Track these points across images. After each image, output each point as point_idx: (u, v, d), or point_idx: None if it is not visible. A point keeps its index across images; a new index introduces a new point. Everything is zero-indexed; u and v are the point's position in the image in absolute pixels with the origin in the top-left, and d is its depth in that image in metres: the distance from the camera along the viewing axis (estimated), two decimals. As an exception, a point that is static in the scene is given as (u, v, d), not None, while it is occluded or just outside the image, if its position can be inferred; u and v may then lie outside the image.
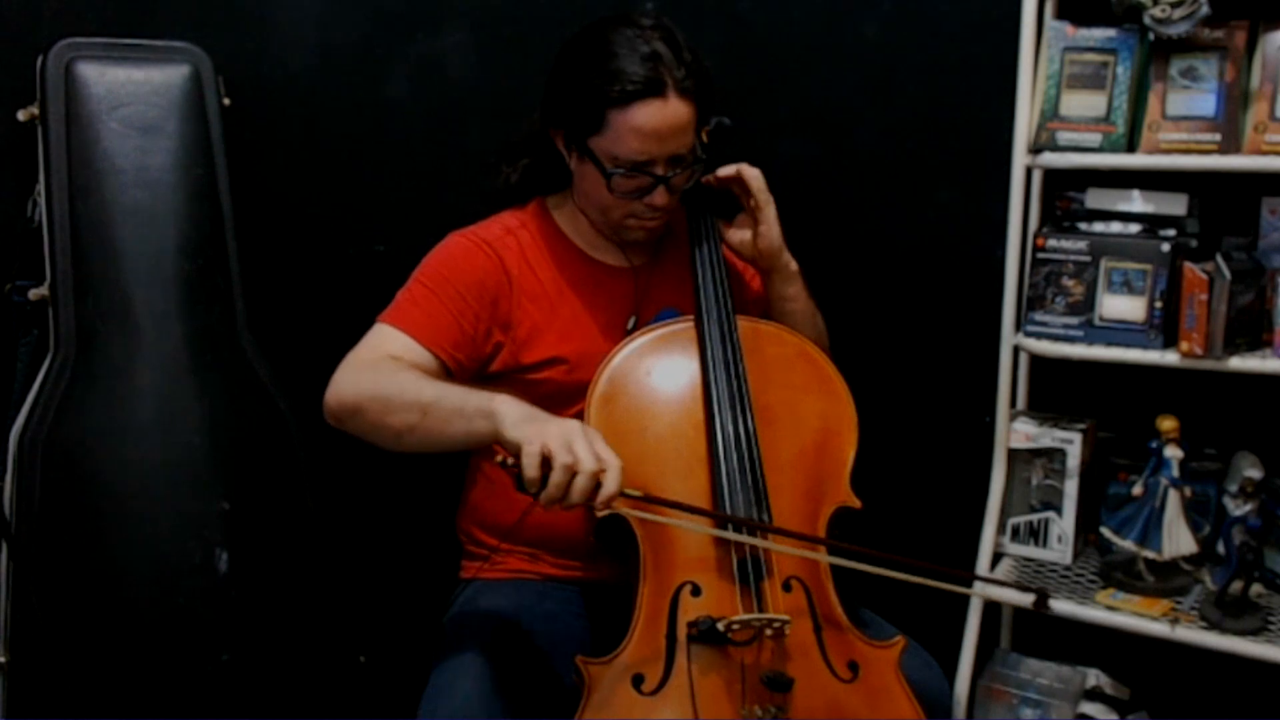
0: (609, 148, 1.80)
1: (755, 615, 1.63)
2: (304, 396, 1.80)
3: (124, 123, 2.11)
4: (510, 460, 1.55)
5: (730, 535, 1.68)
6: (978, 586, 1.98)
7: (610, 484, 1.53)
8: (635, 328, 1.92)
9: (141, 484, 2.07)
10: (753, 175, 1.92)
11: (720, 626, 1.60)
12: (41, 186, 2.09)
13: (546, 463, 1.52)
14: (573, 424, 1.56)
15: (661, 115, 1.78)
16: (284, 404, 2.21)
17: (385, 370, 1.75)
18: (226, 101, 2.20)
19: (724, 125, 1.99)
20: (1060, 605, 1.96)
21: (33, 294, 2.09)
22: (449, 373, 1.81)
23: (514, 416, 1.58)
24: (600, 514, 1.68)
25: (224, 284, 2.19)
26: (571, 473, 1.51)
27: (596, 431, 1.58)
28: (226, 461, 2.14)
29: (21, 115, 2.09)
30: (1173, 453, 1.95)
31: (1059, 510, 2.10)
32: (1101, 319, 1.94)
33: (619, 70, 1.77)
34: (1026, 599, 1.89)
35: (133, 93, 2.12)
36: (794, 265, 1.97)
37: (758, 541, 1.68)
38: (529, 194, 2.00)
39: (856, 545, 1.70)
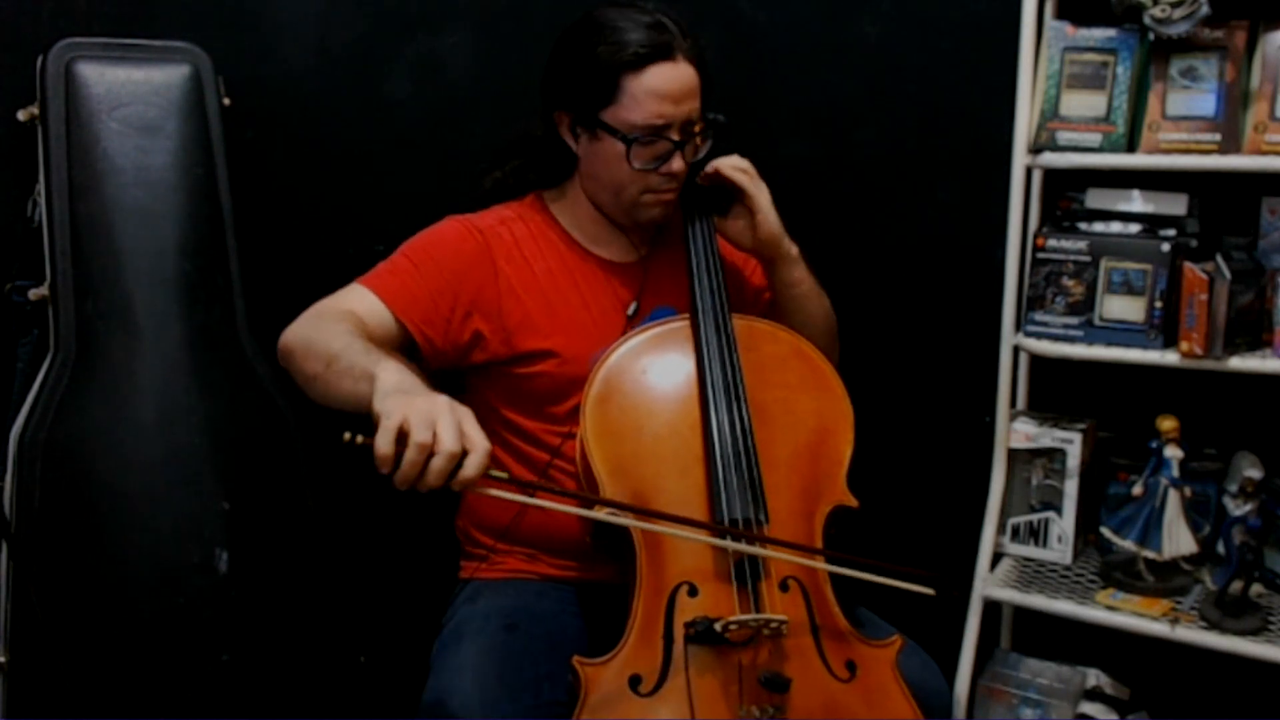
0: (625, 115, 1.82)
1: (752, 616, 1.62)
2: (304, 396, 1.80)
3: (124, 123, 2.11)
4: (360, 438, 1.44)
5: (720, 542, 1.67)
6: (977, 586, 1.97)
7: (470, 468, 1.45)
8: (636, 315, 1.93)
9: (141, 484, 2.08)
10: (732, 166, 1.92)
11: (717, 627, 1.59)
12: (41, 186, 2.09)
13: (403, 439, 1.44)
14: (442, 399, 1.49)
15: (674, 76, 1.81)
16: (284, 404, 2.21)
17: (328, 319, 1.76)
18: (226, 101, 2.20)
19: (720, 122, 1.99)
20: (1060, 605, 1.96)
21: (33, 294, 2.09)
22: (418, 348, 1.82)
23: (386, 386, 1.52)
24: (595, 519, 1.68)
25: (224, 284, 2.19)
26: (428, 452, 1.43)
27: (469, 411, 1.51)
28: (226, 461, 2.14)
29: (21, 115, 2.09)
30: (1173, 453, 1.95)
31: (1059, 510, 2.09)
32: (1101, 319, 1.94)
33: (627, 39, 1.81)
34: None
35: (133, 93, 2.12)
36: (795, 250, 1.96)
37: (740, 546, 1.67)
38: (522, 190, 2.01)
39: (850, 542, 1.70)
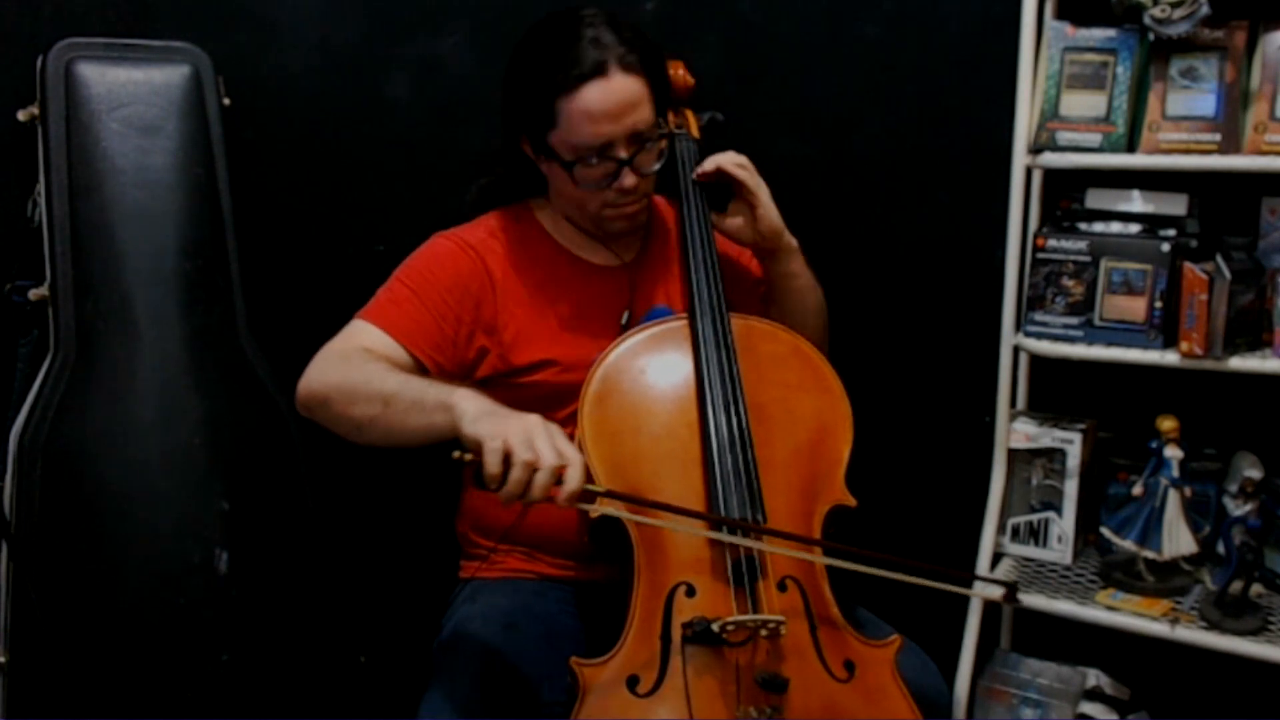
0: (566, 139, 1.81)
1: (750, 616, 1.62)
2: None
3: (124, 123, 2.11)
4: (469, 456, 1.54)
5: (724, 537, 1.67)
6: (977, 586, 1.97)
7: (572, 480, 1.52)
8: (629, 323, 1.92)
9: (141, 484, 2.08)
10: (732, 163, 1.90)
11: (715, 627, 1.59)
12: (41, 186, 2.10)
13: (508, 459, 1.50)
14: (533, 419, 1.55)
15: (608, 93, 1.78)
16: (284, 404, 2.21)
17: (355, 362, 1.75)
18: (226, 101, 2.20)
19: (717, 120, 1.98)
20: (1060, 605, 1.96)
21: (33, 294, 2.09)
22: (428, 374, 1.80)
23: (473, 412, 1.56)
24: (594, 516, 1.68)
25: (224, 284, 2.19)
26: (532, 469, 1.50)
27: (557, 427, 1.56)
28: (226, 461, 2.14)
29: (21, 115, 2.09)
30: (1173, 453, 1.94)
31: (1059, 510, 2.09)
32: (1101, 319, 1.94)
33: (559, 60, 1.78)
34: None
35: (133, 93, 2.13)
36: (794, 242, 1.96)
37: (750, 543, 1.67)
38: (509, 199, 2.00)
39: (852, 544, 1.70)
